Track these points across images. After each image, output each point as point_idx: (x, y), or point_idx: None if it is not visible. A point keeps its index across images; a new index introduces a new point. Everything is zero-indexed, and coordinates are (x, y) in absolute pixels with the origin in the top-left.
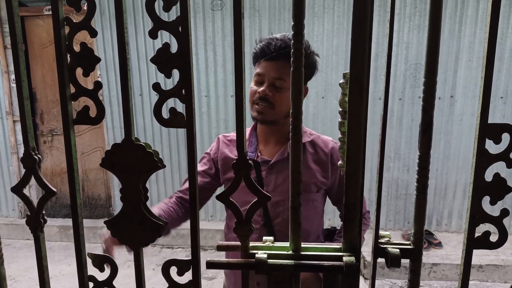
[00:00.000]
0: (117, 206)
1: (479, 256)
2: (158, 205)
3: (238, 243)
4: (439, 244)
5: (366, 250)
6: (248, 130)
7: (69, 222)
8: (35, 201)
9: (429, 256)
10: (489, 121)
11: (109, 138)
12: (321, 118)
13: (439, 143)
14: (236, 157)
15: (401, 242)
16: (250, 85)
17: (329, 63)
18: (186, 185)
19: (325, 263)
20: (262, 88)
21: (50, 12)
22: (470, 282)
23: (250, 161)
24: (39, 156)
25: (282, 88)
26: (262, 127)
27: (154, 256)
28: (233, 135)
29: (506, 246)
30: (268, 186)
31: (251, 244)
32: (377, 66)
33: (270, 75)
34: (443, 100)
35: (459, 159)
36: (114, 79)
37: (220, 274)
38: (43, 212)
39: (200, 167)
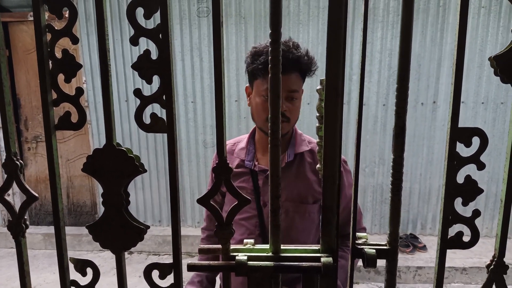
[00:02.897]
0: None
1: (463, 259)
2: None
3: (219, 246)
4: (423, 248)
5: None
6: (245, 137)
7: (53, 229)
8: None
9: (414, 260)
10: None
11: (95, 144)
12: (306, 124)
13: (422, 148)
14: (234, 167)
15: (377, 243)
16: (255, 101)
17: None
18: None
19: (304, 264)
20: None
21: None
22: (455, 285)
23: (247, 170)
24: (21, 161)
25: (297, 100)
26: (261, 135)
27: (140, 263)
28: (229, 146)
29: (489, 249)
30: (265, 196)
31: (232, 246)
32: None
33: (285, 89)
34: (425, 106)
35: (442, 164)
36: (99, 85)
37: None
38: (25, 217)
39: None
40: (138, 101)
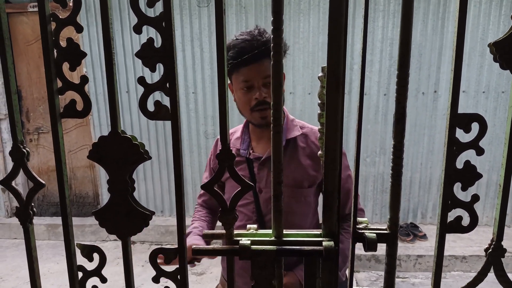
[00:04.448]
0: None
1: (463, 248)
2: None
3: (223, 231)
4: (424, 237)
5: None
6: (240, 127)
7: (57, 220)
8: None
9: (414, 248)
10: None
11: (96, 135)
12: (308, 113)
13: (423, 137)
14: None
15: (378, 227)
16: (238, 95)
17: (315, 60)
18: (202, 197)
19: (306, 248)
20: (258, 93)
21: (35, 9)
22: (455, 273)
23: (243, 159)
24: (27, 149)
25: None
26: (253, 126)
27: (143, 253)
28: None
29: (489, 238)
30: (260, 182)
31: (236, 231)
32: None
33: (260, 77)
34: (426, 95)
35: (442, 153)
36: (100, 76)
37: (209, 269)
38: (32, 204)
39: (205, 180)
40: (139, 92)
